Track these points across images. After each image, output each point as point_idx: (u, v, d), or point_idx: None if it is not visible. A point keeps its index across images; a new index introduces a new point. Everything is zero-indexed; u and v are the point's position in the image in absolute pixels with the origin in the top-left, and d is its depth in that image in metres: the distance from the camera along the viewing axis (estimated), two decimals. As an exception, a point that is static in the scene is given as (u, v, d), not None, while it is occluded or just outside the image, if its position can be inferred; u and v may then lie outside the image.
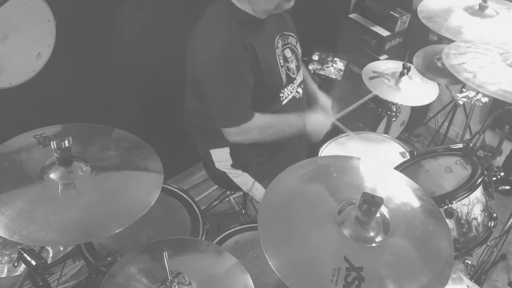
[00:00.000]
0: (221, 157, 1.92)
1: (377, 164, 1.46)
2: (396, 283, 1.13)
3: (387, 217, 1.26)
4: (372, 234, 1.21)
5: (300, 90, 1.89)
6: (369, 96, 2.04)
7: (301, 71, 1.91)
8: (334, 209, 1.27)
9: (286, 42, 1.82)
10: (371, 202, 1.15)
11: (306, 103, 1.97)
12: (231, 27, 1.64)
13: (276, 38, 1.77)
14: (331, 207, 1.27)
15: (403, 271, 1.16)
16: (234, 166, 1.92)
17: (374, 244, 1.20)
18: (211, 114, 1.74)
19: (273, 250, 1.17)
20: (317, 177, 1.37)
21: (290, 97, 1.83)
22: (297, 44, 1.89)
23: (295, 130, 1.80)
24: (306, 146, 2.00)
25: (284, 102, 1.81)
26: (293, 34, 1.86)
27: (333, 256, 1.16)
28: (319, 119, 1.85)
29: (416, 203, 1.33)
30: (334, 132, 2.13)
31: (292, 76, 1.83)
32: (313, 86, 2.04)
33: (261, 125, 1.73)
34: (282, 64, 1.77)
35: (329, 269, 1.12)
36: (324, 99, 2.00)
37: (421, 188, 1.37)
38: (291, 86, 1.83)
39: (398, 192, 1.36)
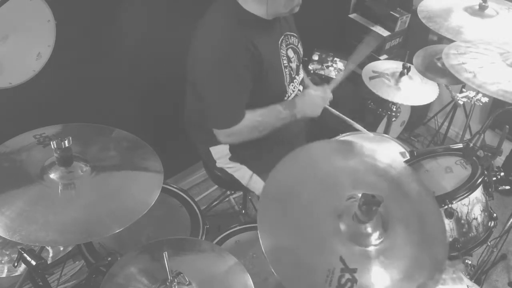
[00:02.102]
0: (221, 153, 1.92)
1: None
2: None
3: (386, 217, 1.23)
4: (369, 232, 1.19)
5: (300, 87, 1.92)
6: (361, 55, 1.96)
7: (301, 69, 1.93)
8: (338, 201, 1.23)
9: (289, 42, 1.83)
10: (371, 202, 1.14)
11: None
12: (231, 28, 1.63)
13: (280, 39, 1.77)
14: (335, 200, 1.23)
15: (396, 274, 1.14)
16: (232, 159, 1.92)
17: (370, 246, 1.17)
18: (205, 114, 1.74)
19: (270, 242, 1.15)
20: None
21: (291, 96, 1.85)
22: (299, 44, 1.90)
23: (286, 121, 1.77)
24: (305, 139, 2.00)
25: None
26: (295, 34, 1.87)
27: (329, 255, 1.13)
28: (315, 93, 1.84)
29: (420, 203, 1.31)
30: (333, 133, 2.13)
31: (293, 75, 1.84)
32: (306, 80, 2.05)
33: (251, 125, 1.72)
34: (286, 65, 1.78)
35: (324, 269, 1.10)
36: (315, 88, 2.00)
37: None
38: (292, 85, 1.84)
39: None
